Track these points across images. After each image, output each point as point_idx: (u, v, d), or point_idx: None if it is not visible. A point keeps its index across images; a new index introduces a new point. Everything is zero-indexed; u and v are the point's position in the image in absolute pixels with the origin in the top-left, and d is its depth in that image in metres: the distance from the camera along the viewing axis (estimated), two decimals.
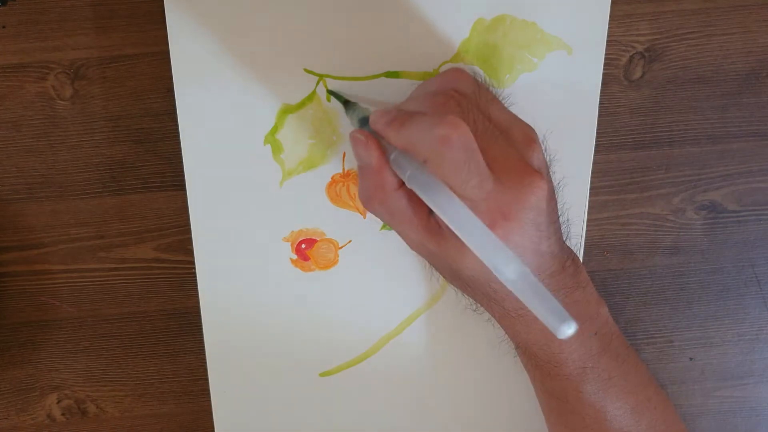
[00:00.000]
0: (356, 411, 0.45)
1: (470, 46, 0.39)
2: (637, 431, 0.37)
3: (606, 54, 0.39)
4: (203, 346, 0.43)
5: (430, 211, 0.33)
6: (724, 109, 0.41)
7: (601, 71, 0.40)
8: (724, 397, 0.46)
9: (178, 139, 0.40)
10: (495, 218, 0.31)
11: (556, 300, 0.27)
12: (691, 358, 0.46)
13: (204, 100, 0.39)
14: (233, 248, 0.42)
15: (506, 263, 0.28)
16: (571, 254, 0.36)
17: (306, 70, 0.39)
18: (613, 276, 0.44)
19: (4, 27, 0.39)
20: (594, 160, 0.41)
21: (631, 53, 0.40)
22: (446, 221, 0.30)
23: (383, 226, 0.42)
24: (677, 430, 0.39)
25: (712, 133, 0.42)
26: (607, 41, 0.39)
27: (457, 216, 0.29)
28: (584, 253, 0.43)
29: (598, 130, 0.41)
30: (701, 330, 0.45)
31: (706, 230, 0.43)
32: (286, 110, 0.40)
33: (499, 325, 0.38)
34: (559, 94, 0.40)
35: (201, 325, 0.43)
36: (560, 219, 0.36)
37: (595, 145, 0.41)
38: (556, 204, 0.35)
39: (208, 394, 0.44)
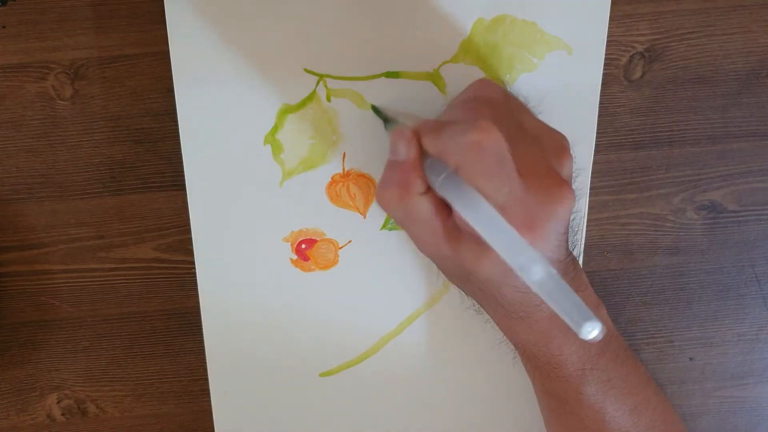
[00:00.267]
0: (356, 411, 0.45)
1: (470, 46, 0.39)
2: None
3: (606, 54, 0.39)
4: (203, 346, 0.43)
5: (448, 216, 0.33)
6: (724, 109, 0.41)
7: (601, 71, 0.40)
8: (724, 397, 0.46)
9: (178, 139, 0.40)
10: (521, 225, 0.31)
11: (582, 302, 0.27)
12: (691, 358, 0.46)
13: (204, 100, 0.39)
14: (233, 248, 0.42)
15: (532, 264, 0.28)
16: (571, 257, 0.36)
17: (306, 70, 0.39)
18: (613, 276, 0.44)
19: (4, 27, 0.39)
20: (594, 160, 0.41)
21: (631, 53, 0.40)
22: (474, 226, 0.30)
23: (383, 226, 0.42)
24: (676, 430, 0.39)
25: (712, 133, 0.42)
26: (607, 41, 0.39)
27: (486, 221, 0.29)
28: (584, 253, 0.43)
29: (598, 130, 0.41)
30: (701, 330, 0.45)
31: (706, 230, 0.43)
32: (286, 110, 0.40)
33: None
34: (559, 94, 0.40)
35: (201, 325, 0.43)
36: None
37: (595, 145, 0.41)
38: None
39: (208, 394, 0.44)
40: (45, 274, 0.43)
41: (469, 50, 0.39)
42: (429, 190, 0.33)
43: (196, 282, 0.42)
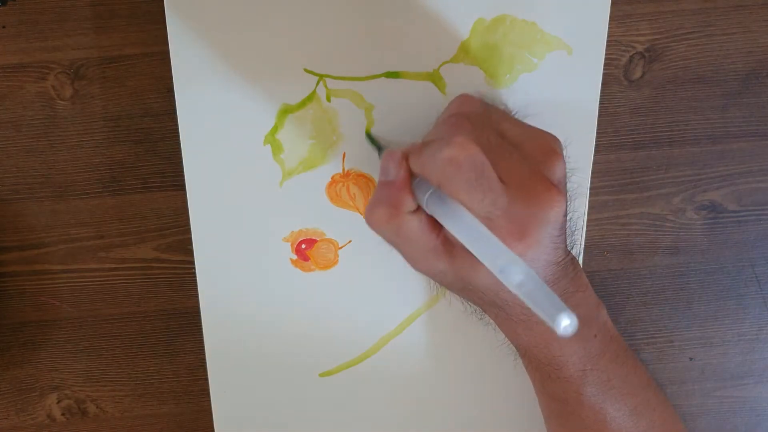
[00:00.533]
0: (356, 411, 0.45)
1: (470, 46, 0.39)
2: None
3: (606, 54, 0.39)
4: (203, 346, 0.43)
5: (440, 232, 0.34)
6: (724, 109, 0.41)
7: (601, 71, 0.40)
8: (724, 397, 0.46)
9: (178, 139, 0.40)
10: (510, 234, 0.31)
11: (559, 299, 0.27)
12: (691, 358, 0.46)
13: (204, 100, 0.39)
14: (233, 248, 0.42)
15: (511, 267, 0.28)
16: (571, 258, 0.36)
17: (306, 70, 0.39)
18: (613, 276, 0.44)
19: (4, 27, 0.39)
20: (594, 160, 0.41)
21: (631, 53, 0.40)
22: (457, 236, 0.30)
23: None
24: (676, 431, 0.39)
25: (712, 133, 0.42)
26: (607, 41, 0.39)
27: (466, 230, 0.30)
28: (584, 253, 0.43)
29: (598, 130, 0.41)
30: (701, 330, 0.45)
31: (706, 230, 0.43)
32: (286, 110, 0.40)
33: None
34: (559, 94, 0.40)
35: (201, 325, 0.43)
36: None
37: (595, 145, 0.41)
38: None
39: (208, 394, 0.44)
40: (45, 274, 0.43)
41: (469, 50, 0.39)
42: (419, 208, 0.33)
43: (196, 282, 0.42)
